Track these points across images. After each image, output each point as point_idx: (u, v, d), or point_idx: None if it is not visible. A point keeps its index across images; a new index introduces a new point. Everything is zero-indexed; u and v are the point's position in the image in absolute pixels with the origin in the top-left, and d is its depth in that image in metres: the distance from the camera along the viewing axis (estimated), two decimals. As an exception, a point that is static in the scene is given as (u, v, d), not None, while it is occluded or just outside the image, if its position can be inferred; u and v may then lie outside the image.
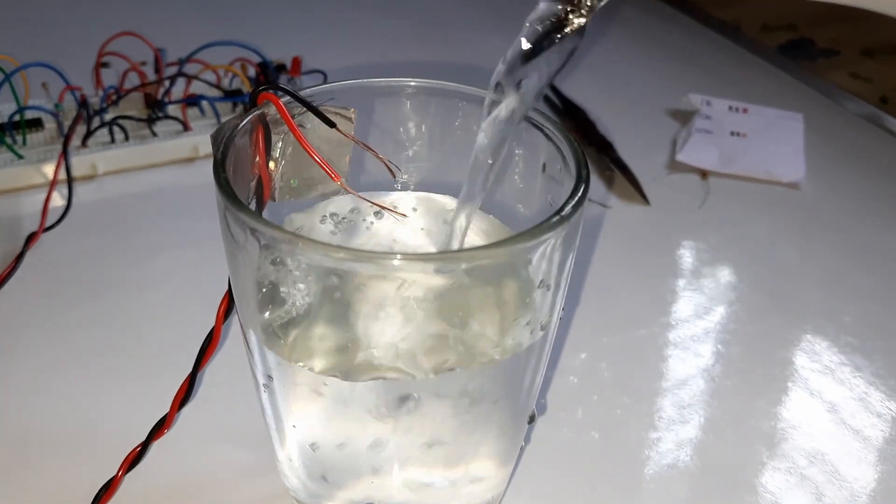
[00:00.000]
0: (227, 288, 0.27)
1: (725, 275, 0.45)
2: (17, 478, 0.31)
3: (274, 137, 0.28)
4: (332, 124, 0.28)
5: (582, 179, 0.24)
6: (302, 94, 0.27)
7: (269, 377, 0.25)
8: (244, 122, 0.26)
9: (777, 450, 0.34)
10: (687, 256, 0.46)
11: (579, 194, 0.23)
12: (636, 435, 0.35)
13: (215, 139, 0.25)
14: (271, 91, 0.26)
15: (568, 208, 0.23)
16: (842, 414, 0.36)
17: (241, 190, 0.27)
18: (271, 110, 0.27)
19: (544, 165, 0.27)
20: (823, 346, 0.40)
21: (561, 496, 0.32)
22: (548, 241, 0.23)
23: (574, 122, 0.55)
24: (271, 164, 0.28)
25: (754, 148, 0.54)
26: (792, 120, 0.57)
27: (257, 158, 0.27)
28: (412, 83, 0.29)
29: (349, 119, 0.29)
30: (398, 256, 0.21)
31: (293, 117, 0.27)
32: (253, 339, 0.25)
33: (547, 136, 0.26)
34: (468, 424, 0.25)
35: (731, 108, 0.57)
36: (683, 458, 0.34)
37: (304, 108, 0.27)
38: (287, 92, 0.27)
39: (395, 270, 0.22)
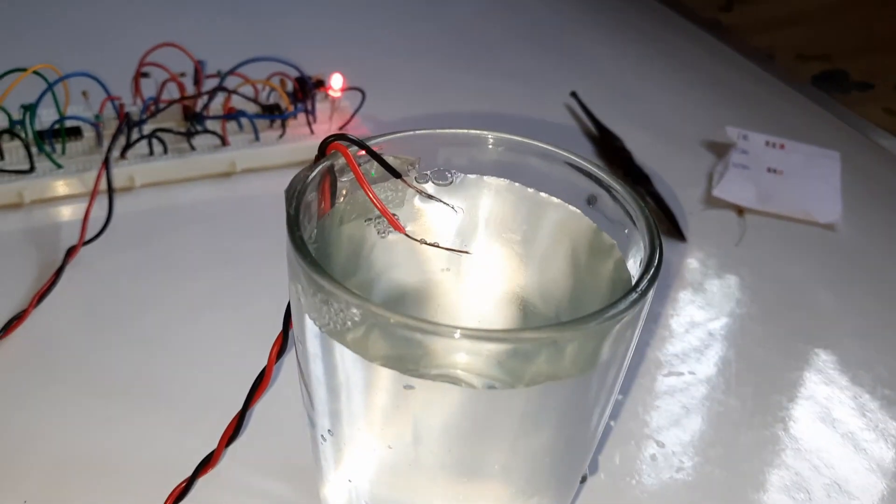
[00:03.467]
0: (281, 325, 0.27)
1: (761, 318, 0.45)
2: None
3: (339, 184, 0.28)
4: (398, 175, 0.28)
5: (655, 252, 0.24)
6: (368, 142, 0.27)
7: (330, 432, 0.25)
8: (314, 174, 0.26)
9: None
10: (722, 296, 0.46)
11: (653, 269, 0.23)
12: (668, 477, 0.35)
13: (288, 194, 0.24)
14: (340, 142, 0.26)
15: (643, 284, 0.23)
16: (881, 470, 0.36)
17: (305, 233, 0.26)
18: (339, 160, 0.27)
19: (592, 196, 0.27)
20: (862, 398, 0.40)
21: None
22: (621, 320, 0.22)
23: (611, 153, 0.55)
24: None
25: (791, 186, 0.54)
26: (829, 157, 0.57)
27: (322, 205, 0.27)
28: (489, 136, 0.28)
29: (413, 166, 0.29)
30: (458, 331, 0.21)
31: (359, 165, 0.27)
32: (320, 393, 0.25)
33: (621, 205, 0.26)
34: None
35: (767, 143, 0.57)
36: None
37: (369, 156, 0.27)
38: (355, 142, 0.27)
39: (456, 343, 0.21)
